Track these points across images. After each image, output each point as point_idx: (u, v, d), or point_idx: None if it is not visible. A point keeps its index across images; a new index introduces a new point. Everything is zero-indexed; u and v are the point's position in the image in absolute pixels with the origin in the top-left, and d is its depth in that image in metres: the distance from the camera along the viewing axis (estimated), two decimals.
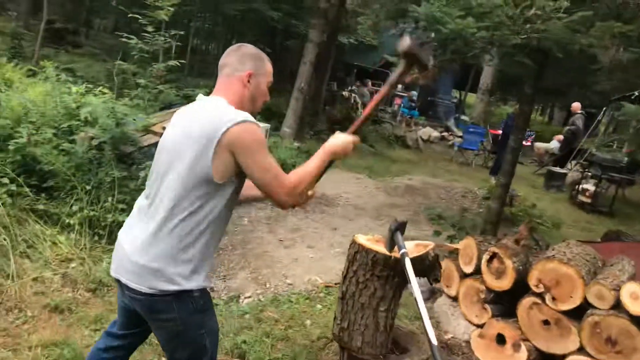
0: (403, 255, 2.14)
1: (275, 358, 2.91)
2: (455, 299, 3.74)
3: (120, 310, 1.94)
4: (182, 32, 7.70)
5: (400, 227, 2.27)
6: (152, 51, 7.01)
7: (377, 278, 2.36)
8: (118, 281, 1.75)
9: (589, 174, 8.90)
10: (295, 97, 9.13)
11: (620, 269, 3.05)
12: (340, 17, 10.59)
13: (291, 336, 3.15)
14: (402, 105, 16.61)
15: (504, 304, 3.46)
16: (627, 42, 3.15)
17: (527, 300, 3.18)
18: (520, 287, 3.25)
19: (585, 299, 2.94)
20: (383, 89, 2.08)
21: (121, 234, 1.81)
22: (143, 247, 1.67)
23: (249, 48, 1.85)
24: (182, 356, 1.78)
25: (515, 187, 8.42)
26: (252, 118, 1.67)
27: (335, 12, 10.71)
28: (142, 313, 1.75)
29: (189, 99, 7.35)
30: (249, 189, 1.84)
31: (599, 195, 8.43)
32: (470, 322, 3.55)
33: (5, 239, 3.28)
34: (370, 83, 16.48)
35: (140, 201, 1.81)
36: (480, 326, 3.42)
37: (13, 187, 3.70)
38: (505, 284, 3.32)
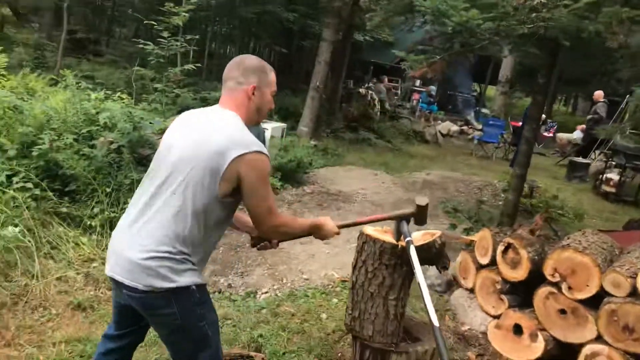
0: (408, 243, 2.17)
1: (291, 351, 2.95)
2: (471, 290, 3.73)
3: (115, 309, 1.97)
4: (197, 37, 7.83)
5: (408, 216, 2.30)
6: (169, 56, 7.17)
7: (385, 267, 2.38)
8: (113, 280, 1.77)
9: (613, 163, 8.70)
10: (311, 96, 9.18)
11: (637, 257, 3.00)
12: (354, 15, 10.60)
13: (307, 329, 3.19)
14: (420, 100, 16.50)
15: (520, 294, 3.44)
16: (638, 27, 3.10)
17: (543, 290, 3.15)
18: (536, 277, 3.23)
19: (601, 287, 2.90)
20: (384, 216, 2.33)
21: (116, 232, 1.83)
22: (139, 246, 1.70)
23: (251, 60, 1.89)
24: (188, 347, 1.81)
25: (536, 178, 8.32)
26: (265, 149, 1.76)
27: (349, 11, 10.74)
28: (140, 310, 1.78)
29: (206, 101, 7.49)
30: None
31: (624, 184, 8.24)
32: (487, 313, 3.54)
33: (30, 241, 3.41)
34: (386, 79, 16.42)
35: (137, 200, 1.82)
36: (497, 317, 3.41)
37: (37, 192, 3.84)
38: (520, 274, 3.30)
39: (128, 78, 8.36)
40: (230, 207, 1.82)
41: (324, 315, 3.40)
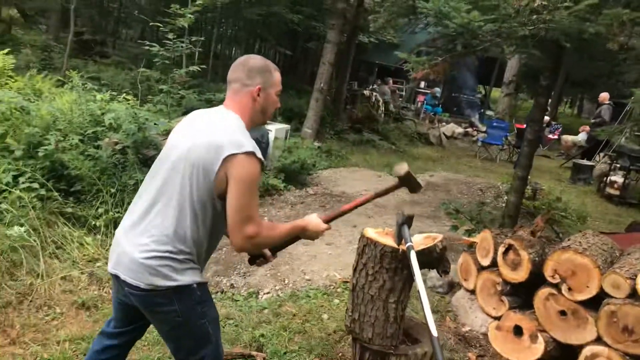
0: (409, 248, 2.18)
1: (292, 350, 2.98)
2: (473, 292, 3.74)
3: (116, 307, 1.98)
4: (202, 39, 7.88)
5: (407, 220, 2.31)
6: (174, 58, 7.21)
7: (385, 270, 2.40)
8: (116, 277, 1.80)
9: (617, 165, 8.67)
10: (315, 97, 9.21)
11: (637, 258, 3.01)
12: (359, 17, 10.63)
13: (308, 330, 3.22)
14: (425, 102, 16.50)
15: (521, 295, 3.45)
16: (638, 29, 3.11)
17: (543, 291, 3.17)
18: (537, 279, 3.24)
19: (601, 288, 2.91)
20: (369, 195, 2.22)
21: (119, 231, 1.86)
22: (141, 245, 1.73)
23: (256, 60, 1.89)
24: (189, 344, 1.84)
25: (540, 180, 8.32)
26: (259, 154, 1.74)
27: (353, 12, 10.77)
28: (141, 308, 1.81)
29: (210, 103, 7.53)
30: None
31: (628, 187, 8.22)
32: (487, 314, 3.55)
33: (35, 241, 3.46)
34: (391, 81, 16.44)
35: (138, 200, 1.85)
36: (498, 318, 3.42)
37: (43, 192, 3.90)
38: (521, 275, 3.31)
39: (134, 79, 8.42)
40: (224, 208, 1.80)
41: (325, 316, 3.42)
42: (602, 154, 10.31)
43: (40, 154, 4.11)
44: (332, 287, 3.91)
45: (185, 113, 7.08)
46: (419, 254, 2.28)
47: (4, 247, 3.30)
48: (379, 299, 2.43)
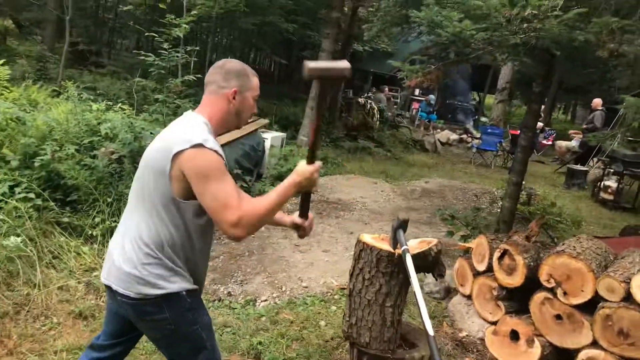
0: (404, 251, 2.20)
1: (289, 357, 2.99)
2: (469, 297, 3.76)
3: (109, 317, 1.97)
4: (197, 48, 7.92)
5: (402, 224, 2.33)
6: (170, 67, 7.25)
7: (382, 275, 2.42)
8: (109, 287, 1.80)
9: (611, 170, 8.74)
10: (310, 106, 9.26)
11: (630, 262, 3.04)
12: (353, 26, 10.72)
13: (305, 336, 3.23)
14: (420, 109, 16.61)
15: (517, 300, 3.47)
16: (629, 37, 3.16)
17: (539, 296, 3.19)
18: (532, 283, 3.27)
19: (596, 292, 2.94)
20: (314, 118, 1.93)
21: (111, 241, 1.89)
22: (126, 256, 1.75)
23: (233, 64, 1.87)
24: (184, 351, 1.84)
25: (535, 186, 8.37)
26: (211, 143, 1.66)
27: (348, 21, 10.87)
28: (132, 317, 1.81)
29: None
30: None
31: (622, 191, 8.28)
32: (484, 319, 3.57)
33: (32, 251, 3.46)
34: (387, 89, 16.55)
35: (127, 208, 1.88)
36: (494, 323, 3.44)
37: (39, 202, 3.89)
38: (516, 280, 3.34)
39: (129, 89, 8.44)
40: (196, 209, 1.74)
41: (322, 323, 3.43)
42: (595, 159, 10.38)
43: (36, 164, 4.11)
44: (329, 294, 3.92)
45: None
46: (415, 257, 2.30)
47: (0, 258, 3.29)
48: (376, 304, 2.45)
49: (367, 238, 2.55)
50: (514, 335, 3.22)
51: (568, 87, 17.71)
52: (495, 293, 3.49)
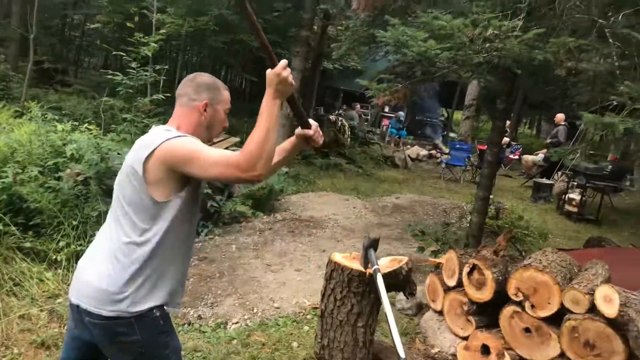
0: (375, 271, 2.20)
1: None
2: (441, 313, 3.78)
3: (70, 343, 1.88)
4: (167, 67, 7.87)
5: (373, 244, 2.33)
6: (138, 86, 7.17)
7: (353, 294, 2.42)
8: (76, 308, 1.74)
9: (575, 183, 9.01)
10: (282, 123, 9.27)
11: (594, 273, 3.12)
12: (323, 45, 10.86)
13: (277, 359, 3.19)
14: (390, 125, 16.85)
15: (487, 314, 3.50)
16: (586, 55, 3.31)
17: (508, 310, 3.23)
18: (502, 297, 3.31)
19: (562, 304, 2.99)
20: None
21: (81, 260, 1.84)
22: (101, 272, 1.71)
23: (204, 77, 1.89)
24: None
25: (503, 199, 8.55)
26: (178, 132, 1.71)
27: (317, 40, 11.01)
28: (100, 340, 1.75)
29: None
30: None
31: (585, 204, 8.53)
32: (456, 334, 3.59)
33: None
34: (358, 106, 16.75)
35: (102, 227, 1.86)
36: (466, 338, 3.46)
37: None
38: (486, 294, 3.37)
39: (97, 108, 8.30)
40: (180, 209, 1.73)
41: (295, 344, 3.39)
42: (560, 173, 10.68)
43: None
44: (301, 314, 3.89)
45: None
46: (386, 276, 2.31)
47: None
48: (348, 324, 2.44)
49: (339, 258, 2.54)
50: (485, 350, 3.24)
51: (532, 103, 18.29)
52: (465, 308, 3.52)
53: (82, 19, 16.16)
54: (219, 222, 5.79)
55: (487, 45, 3.01)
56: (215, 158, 1.62)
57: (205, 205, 5.49)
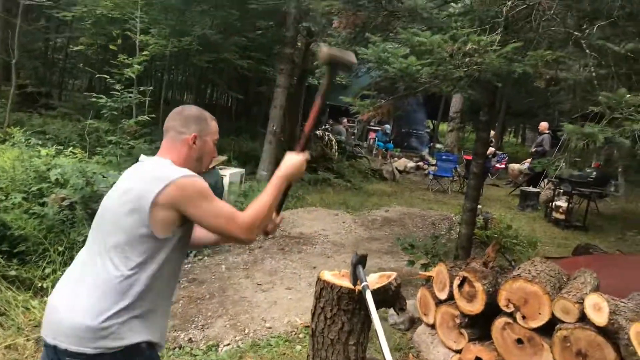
0: (364, 287, 2.20)
1: None
2: (433, 326, 3.77)
3: None
4: (151, 88, 7.86)
5: (361, 260, 2.33)
6: (122, 108, 7.15)
7: (343, 312, 2.40)
8: (53, 348, 1.65)
9: (561, 190, 9.11)
10: (268, 140, 9.31)
11: (582, 282, 3.14)
12: (307, 61, 10.95)
13: None
14: (376, 139, 16.95)
15: (480, 327, 3.50)
16: (565, 65, 3.37)
17: (499, 321, 3.24)
18: (493, 309, 3.31)
19: (553, 314, 3.00)
20: (316, 102, 2.01)
21: (54, 296, 1.73)
22: (84, 308, 1.63)
23: (192, 110, 1.89)
24: None
25: (491, 209, 8.60)
26: (190, 172, 1.71)
27: (302, 57, 11.10)
28: None
29: None
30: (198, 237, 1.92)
31: (572, 210, 8.62)
32: (449, 348, 3.57)
33: None
34: (346, 120, 16.84)
35: (79, 260, 1.78)
36: (459, 351, 3.45)
37: None
38: (477, 307, 3.37)
39: (81, 131, 8.24)
40: (176, 245, 1.73)
41: None
42: (546, 181, 10.80)
43: None
44: (293, 333, 3.85)
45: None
46: (375, 292, 2.31)
47: None
48: (339, 342, 2.42)
49: (328, 275, 2.54)
50: None
51: (516, 112, 18.58)
52: (457, 321, 3.51)
53: (66, 42, 16.10)
54: None
55: (467, 59, 3.06)
56: (221, 210, 1.69)
57: None
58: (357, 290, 2.36)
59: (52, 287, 3.81)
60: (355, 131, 18.21)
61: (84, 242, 4.20)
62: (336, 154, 12.68)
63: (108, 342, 1.62)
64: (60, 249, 4.12)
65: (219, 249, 5.70)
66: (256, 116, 16.88)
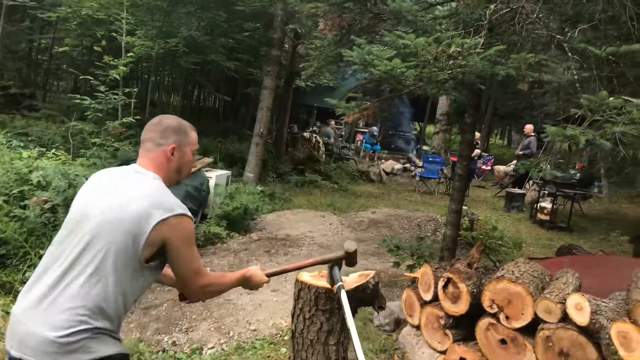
0: (339, 288, 2.20)
1: None
2: (418, 327, 3.78)
3: None
4: (135, 90, 7.79)
5: (337, 261, 2.33)
6: (107, 109, 7.08)
7: (322, 312, 2.40)
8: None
9: (545, 192, 9.20)
10: (255, 142, 9.27)
11: (564, 282, 3.17)
12: (294, 63, 10.94)
13: None
14: (364, 141, 17.00)
15: (464, 327, 3.52)
16: (548, 68, 3.41)
17: (483, 322, 3.26)
18: (477, 309, 3.33)
19: (536, 314, 3.03)
20: (313, 260, 2.32)
21: (23, 306, 1.64)
22: (55, 322, 1.56)
23: (170, 120, 1.86)
24: None
25: (476, 210, 8.66)
26: (187, 211, 1.73)
27: (289, 59, 11.09)
28: None
29: None
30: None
31: (556, 212, 8.71)
32: (434, 349, 3.59)
33: None
34: (333, 122, 16.85)
35: (46, 271, 1.66)
36: (444, 352, 3.47)
37: None
38: (462, 307, 3.39)
39: (66, 133, 8.14)
40: (155, 271, 1.76)
41: None
42: (531, 182, 10.90)
43: None
44: (278, 335, 3.84)
45: (122, 164, 6.93)
46: (353, 292, 2.31)
47: None
48: (319, 343, 2.41)
49: (305, 277, 2.54)
50: None
51: (502, 114, 18.77)
52: (442, 322, 3.53)
53: (50, 43, 15.91)
54: None
55: (451, 62, 3.08)
56: (196, 260, 1.78)
57: None
58: (334, 291, 2.36)
59: None
60: (343, 133, 18.24)
61: None
62: (323, 155, 12.69)
63: (76, 356, 1.56)
64: (42, 252, 4.05)
65: (204, 250, 5.67)
66: (243, 118, 16.81)
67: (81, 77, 8.30)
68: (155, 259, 1.70)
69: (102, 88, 6.75)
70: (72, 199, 4.53)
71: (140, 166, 1.81)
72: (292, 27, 9.35)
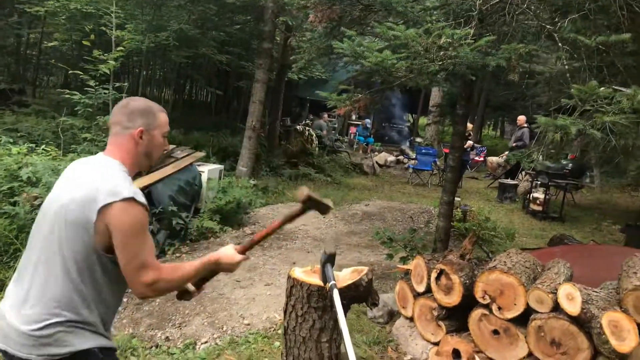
0: (331, 286, 2.17)
1: None
2: (411, 319, 3.80)
3: None
4: (126, 84, 7.73)
5: (329, 259, 2.30)
6: (98, 104, 7.02)
7: (314, 310, 2.39)
8: (4, 353, 1.62)
9: (538, 182, 9.24)
10: (247, 135, 9.23)
11: (556, 272, 3.19)
12: (286, 56, 10.88)
13: None
14: (357, 133, 16.98)
15: (457, 318, 3.53)
16: (539, 58, 3.40)
17: (476, 313, 3.27)
18: (470, 300, 3.34)
19: (528, 304, 3.04)
20: (277, 222, 2.09)
21: (4, 301, 1.67)
22: (28, 315, 1.58)
23: (138, 103, 1.78)
24: None
25: (469, 201, 8.69)
26: (140, 196, 1.62)
27: (280, 51, 11.02)
28: None
29: None
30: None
31: (549, 202, 8.76)
32: (427, 340, 3.60)
33: None
34: (326, 115, 16.81)
35: (22, 266, 1.69)
36: (437, 344, 3.48)
37: None
38: (454, 299, 3.41)
39: (56, 128, 8.07)
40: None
41: None
42: (523, 173, 10.94)
43: None
44: (272, 329, 3.83)
45: None
46: (346, 289, 2.30)
47: None
48: (311, 340, 2.41)
49: (298, 273, 2.52)
50: (456, 355, 3.26)
51: (494, 105, 18.80)
52: (435, 313, 3.54)
53: (39, 37, 15.73)
54: (186, 239, 5.69)
55: (442, 53, 3.06)
56: (140, 255, 1.59)
57: (170, 223, 5.39)
58: (327, 288, 2.35)
59: None
60: (336, 126, 18.21)
61: None
62: (317, 148, 12.67)
63: (52, 349, 1.57)
64: None
65: (197, 245, 5.65)
66: (235, 111, 16.74)
67: (71, 72, 8.21)
68: (112, 250, 1.61)
69: (92, 83, 6.69)
70: None
71: (107, 154, 1.74)
72: (283, 19, 9.28)
